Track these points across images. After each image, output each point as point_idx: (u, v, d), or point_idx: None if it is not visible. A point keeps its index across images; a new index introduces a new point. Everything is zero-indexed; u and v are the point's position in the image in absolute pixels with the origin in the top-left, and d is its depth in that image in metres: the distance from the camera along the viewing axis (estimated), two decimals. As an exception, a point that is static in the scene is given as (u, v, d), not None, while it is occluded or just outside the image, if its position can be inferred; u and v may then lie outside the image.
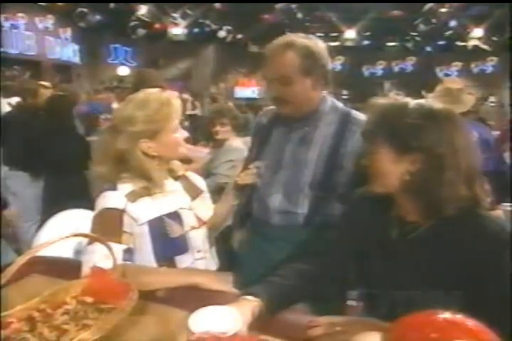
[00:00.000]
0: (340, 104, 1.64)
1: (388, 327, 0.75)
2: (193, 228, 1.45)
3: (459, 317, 0.71)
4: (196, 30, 11.34)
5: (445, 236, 1.03)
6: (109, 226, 1.28)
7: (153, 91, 1.39)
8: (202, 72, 12.01)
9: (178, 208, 1.43)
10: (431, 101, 1.08)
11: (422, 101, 1.07)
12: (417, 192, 1.05)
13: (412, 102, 1.07)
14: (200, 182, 1.62)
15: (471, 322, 0.71)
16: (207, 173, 2.76)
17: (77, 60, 9.68)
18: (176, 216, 1.41)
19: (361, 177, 1.32)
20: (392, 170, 1.06)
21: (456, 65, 11.85)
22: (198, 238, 1.46)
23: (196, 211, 1.50)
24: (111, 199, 1.32)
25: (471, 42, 11.23)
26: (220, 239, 1.74)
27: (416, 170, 1.03)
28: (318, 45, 1.51)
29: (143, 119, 1.33)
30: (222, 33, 11.56)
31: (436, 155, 1.00)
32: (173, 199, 1.43)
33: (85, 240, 1.31)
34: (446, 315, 0.71)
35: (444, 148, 1.00)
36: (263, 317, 1.06)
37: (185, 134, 1.44)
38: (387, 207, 1.15)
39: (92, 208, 1.38)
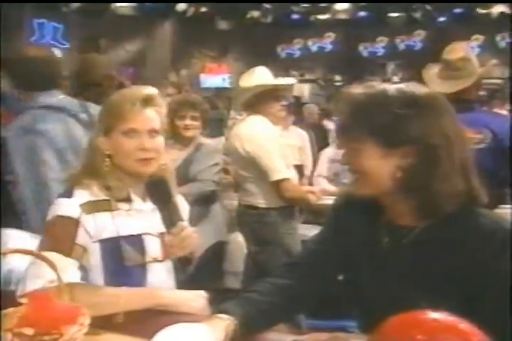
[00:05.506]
0: None
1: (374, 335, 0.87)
2: (156, 260, 1.50)
3: (450, 318, 0.83)
4: (148, 2, 11.32)
5: (440, 238, 1.16)
6: (59, 236, 1.38)
7: (143, 87, 1.53)
8: (158, 56, 11.95)
9: (142, 232, 1.48)
10: (411, 85, 1.19)
11: (401, 86, 1.19)
12: (411, 190, 1.16)
13: (391, 88, 1.17)
14: (184, 209, 1.65)
15: (463, 324, 0.82)
16: (185, 178, 2.81)
17: (-13, 38, 9.47)
18: (137, 241, 1.46)
19: None
20: (380, 168, 1.16)
21: (477, 39, 11.47)
22: (160, 273, 1.51)
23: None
24: (64, 206, 1.42)
25: (496, 9, 11.09)
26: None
27: (408, 165, 1.14)
28: None
29: (104, 112, 1.52)
30: (181, 6, 11.51)
31: (429, 145, 1.12)
32: (138, 221, 1.49)
33: (17, 265, 1.44)
34: (437, 315, 0.83)
35: (437, 137, 1.12)
36: (239, 338, 1.14)
37: (151, 145, 1.45)
38: (374, 211, 1.26)
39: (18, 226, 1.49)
